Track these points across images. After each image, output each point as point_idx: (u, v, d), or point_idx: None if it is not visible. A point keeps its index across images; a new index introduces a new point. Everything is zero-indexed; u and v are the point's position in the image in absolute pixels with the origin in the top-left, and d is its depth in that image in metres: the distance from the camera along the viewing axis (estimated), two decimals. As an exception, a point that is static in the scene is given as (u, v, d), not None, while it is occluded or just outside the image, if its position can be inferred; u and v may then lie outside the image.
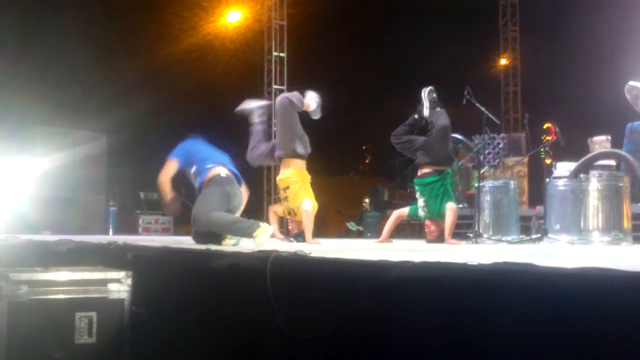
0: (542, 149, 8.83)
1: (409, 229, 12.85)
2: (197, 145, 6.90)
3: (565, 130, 9.15)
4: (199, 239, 6.28)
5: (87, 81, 15.52)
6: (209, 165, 6.53)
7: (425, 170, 7.91)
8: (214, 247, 4.74)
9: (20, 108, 14.04)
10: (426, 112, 7.99)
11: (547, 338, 2.19)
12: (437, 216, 7.82)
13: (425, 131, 8.07)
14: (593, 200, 7.25)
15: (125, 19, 16.20)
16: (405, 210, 8.34)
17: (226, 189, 6.37)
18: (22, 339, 3.79)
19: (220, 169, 6.49)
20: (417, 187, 8.06)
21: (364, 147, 28.32)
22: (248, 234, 5.90)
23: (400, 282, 2.66)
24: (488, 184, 8.63)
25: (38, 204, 13.05)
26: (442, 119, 7.85)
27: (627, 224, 7.29)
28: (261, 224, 5.97)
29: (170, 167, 6.72)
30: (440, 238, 7.75)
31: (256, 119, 8.28)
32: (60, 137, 14.44)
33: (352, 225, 15.04)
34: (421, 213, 7.96)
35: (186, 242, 6.50)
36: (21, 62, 14.10)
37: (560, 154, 9.09)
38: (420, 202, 7.95)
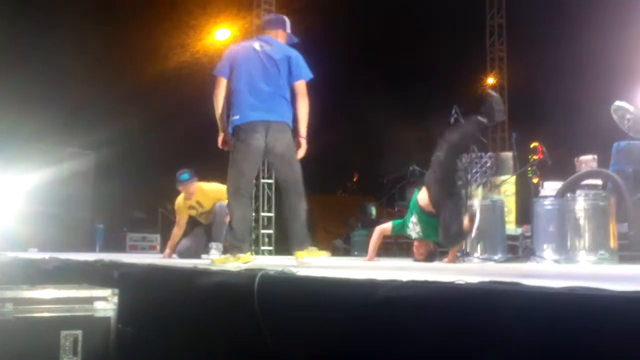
0: (529, 168, 8.88)
1: (397, 247, 12.85)
2: (242, 65, 5.67)
3: (552, 150, 9.21)
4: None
5: (75, 98, 15.52)
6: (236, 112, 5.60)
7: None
8: (201, 265, 4.72)
9: (7, 125, 14.01)
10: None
11: (534, 357, 2.19)
12: (431, 239, 7.64)
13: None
14: (579, 219, 7.28)
15: (114, 37, 16.22)
16: (387, 226, 8.12)
17: (242, 138, 5.55)
18: (7, 357, 3.76)
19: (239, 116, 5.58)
20: (415, 212, 7.69)
21: (351, 166, 28.38)
22: (230, 253, 5.48)
23: (387, 301, 2.66)
24: (475, 202, 8.65)
25: (25, 221, 13.00)
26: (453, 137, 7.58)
27: (613, 243, 7.32)
28: (247, 254, 5.53)
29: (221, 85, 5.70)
30: (429, 258, 7.68)
31: None
32: (48, 154, 14.41)
33: (339, 243, 15.04)
34: (412, 234, 7.70)
35: (173, 260, 6.48)
36: (8, 79, 14.08)
37: (547, 173, 9.14)
38: (416, 227, 7.63)
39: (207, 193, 8.66)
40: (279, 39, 5.75)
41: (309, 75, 5.59)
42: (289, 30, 5.84)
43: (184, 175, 8.59)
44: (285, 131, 5.52)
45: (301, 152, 5.52)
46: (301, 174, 5.52)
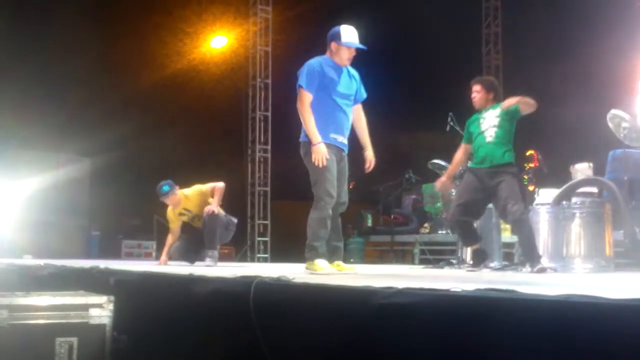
0: (525, 176, 8.88)
1: (393, 254, 12.85)
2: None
3: (548, 157, 9.22)
4: None
5: (71, 104, 15.48)
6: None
7: None
8: (197, 272, 4.71)
9: (3, 131, 13.98)
10: None
11: (530, 365, 2.19)
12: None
13: None
14: (575, 227, 7.28)
15: (110, 44, 16.20)
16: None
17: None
18: (2, 364, 3.75)
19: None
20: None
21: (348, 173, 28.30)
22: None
23: (384, 308, 2.65)
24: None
25: (20, 228, 12.97)
26: None
27: (609, 251, 7.32)
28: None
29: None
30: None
31: None
32: (43, 160, 14.38)
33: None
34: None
35: (169, 267, 6.46)
36: (3, 85, 14.06)
37: (543, 181, 9.14)
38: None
39: (190, 198, 8.73)
40: (335, 54, 5.83)
41: (299, 84, 5.67)
42: (345, 39, 5.82)
43: (164, 187, 8.63)
44: (301, 147, 5.70)
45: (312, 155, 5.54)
46: (315, 185, 5.57)
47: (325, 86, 5.67)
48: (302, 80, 5.65)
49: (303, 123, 5.60)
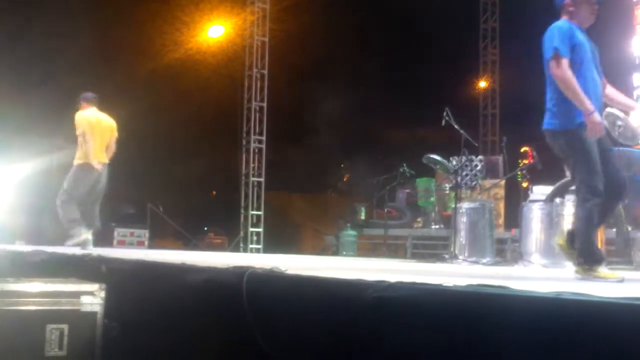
0: (519, 172, 8.90)
1: (386, 248, 12.85)
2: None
3: (542, 154, 9.22)
4: None
5: (65, 90, 15.42)
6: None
7: None
8: (189, 261, 4.70)
9: (-3, 116, 13.94)
10: None
11: (520, 359, 2.20)
12: None
13: None
14: (568, 224, 7.29)
15: (106, 31, 16.15)
16: None
17: None
18: (-8, 350, 3.74)
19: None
20: None
21: (342, 165, 28.33)
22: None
23: (376, 301, 2.66)
24: (465, 205, 8.66)
25: (13, 213, 12.93)
26: None
27: (601, 248, 7.35)
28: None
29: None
30: None
31: None
32: (36, 145, 14.31)
33: (330, 240, 15.01)
34: None
35: (161, 255, 6.44)
36: (-2, 70, 14.01)
37: (537, 178, 9.15)
38: None
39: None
40: (574, 14, 4.99)
41: (553, 47, 4.79)
42: None
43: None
44: (551, 138, 5.04)
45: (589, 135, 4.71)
46: (580, 177, 4.84)
47: (576, 50, 4.80)
48: (554, 42, 4.77)
49: (569, 92, 4.72)
